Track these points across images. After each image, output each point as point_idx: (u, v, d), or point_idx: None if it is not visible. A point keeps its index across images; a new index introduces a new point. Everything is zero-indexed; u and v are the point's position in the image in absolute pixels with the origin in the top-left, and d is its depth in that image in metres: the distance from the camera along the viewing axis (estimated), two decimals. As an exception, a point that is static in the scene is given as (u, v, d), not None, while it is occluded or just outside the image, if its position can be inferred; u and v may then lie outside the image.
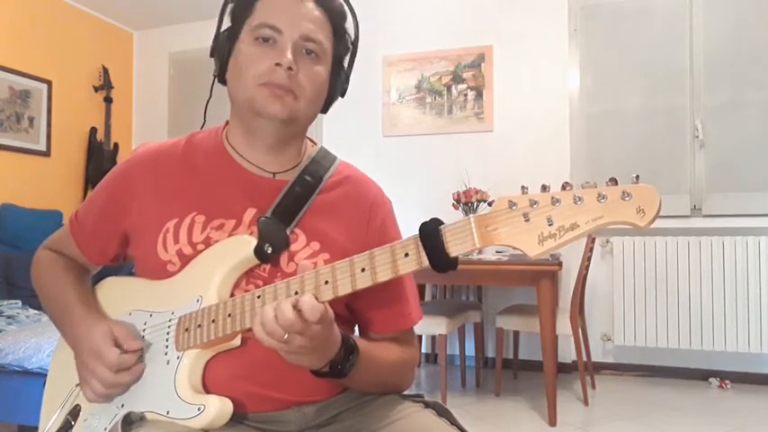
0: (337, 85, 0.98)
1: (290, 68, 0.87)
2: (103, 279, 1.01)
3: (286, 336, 0.72)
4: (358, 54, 1.01)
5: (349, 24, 0.98)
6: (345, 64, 1.00)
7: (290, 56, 0.87)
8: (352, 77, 1.02)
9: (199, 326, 0.83)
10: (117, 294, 0.97)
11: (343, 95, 1.02)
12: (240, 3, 0.93)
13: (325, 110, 1.00)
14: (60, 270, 1.00)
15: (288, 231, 0.90)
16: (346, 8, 0.97)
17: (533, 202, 0.67)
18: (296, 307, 0.72)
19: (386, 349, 0.93)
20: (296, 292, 0.77)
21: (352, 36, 0.99)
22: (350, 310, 0.96)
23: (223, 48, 0.94)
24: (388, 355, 0.93)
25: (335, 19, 0.94)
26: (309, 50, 0.90)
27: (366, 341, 0.89)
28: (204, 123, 1.08)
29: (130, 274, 0.99)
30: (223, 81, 0.96)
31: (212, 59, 0.97)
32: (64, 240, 1.03)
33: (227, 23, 0.95)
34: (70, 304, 0.94)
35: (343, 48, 0.98)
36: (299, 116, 0.91)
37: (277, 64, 0.87)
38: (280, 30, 0.88)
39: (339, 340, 0.80)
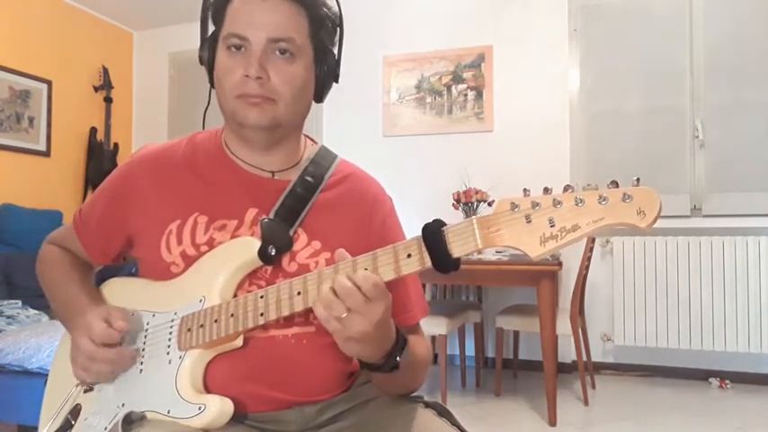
0: (326, 72, 0.95)
1: (259, 77, 0.86)
2: (105, 280, 1.02)
3: (344, 314, 0.71)
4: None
5: (328, 4, 0.93)
6: (334, 48, 0.96)
7: (256, 65, 0.85)
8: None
9: (201, 326, 0.84)
10: (120, 295, 0.97)
11: (336, 80, 0.98)
12: (214, 11, 0.92)
13: (319, 99, 0.97)
14: (67, 264, 1.01)
15: (291, 233, 0.90)
16: None
17: (535, 204, 0.68)
18: (351, 279, 0.72)
19: (414, 340, 0.91)
20: (298, 293, 0.77)
21: (335, 14, 0.94)
22: None
23: (208, 56, 0.93)
24: (419, 345, 0.92)
25: (309, 6, 0.90)
26: (283, 50, 0.87)
27: None
28: (203, 129, 1.07)
29: (131, 274, 1.00)
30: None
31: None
32: (68, 237, 1.04)
33: (211, 28, 0.94)
34: (77, 295, 0.95)
35: (324, 33, 0.93)
36: (281, 120, 0.90)
37: (246, 75, 0.86)
38: (246, 38, 0.86)
39: (394, 332, 0.80)
